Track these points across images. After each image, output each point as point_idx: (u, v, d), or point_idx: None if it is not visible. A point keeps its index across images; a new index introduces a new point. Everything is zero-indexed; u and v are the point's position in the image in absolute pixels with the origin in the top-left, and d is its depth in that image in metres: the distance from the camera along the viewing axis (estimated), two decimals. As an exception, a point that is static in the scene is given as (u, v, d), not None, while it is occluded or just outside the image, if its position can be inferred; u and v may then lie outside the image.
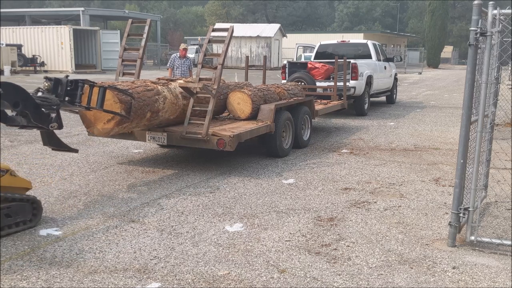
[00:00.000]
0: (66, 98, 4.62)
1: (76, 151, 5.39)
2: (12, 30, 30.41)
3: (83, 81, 4.72)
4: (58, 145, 5.18)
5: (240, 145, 6.36)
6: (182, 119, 6.61)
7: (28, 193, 4.55)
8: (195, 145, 6.37)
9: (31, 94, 4.38)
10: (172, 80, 6.93)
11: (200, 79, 6.41)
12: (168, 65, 11.26)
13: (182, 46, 11.19)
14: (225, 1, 67.96)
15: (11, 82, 4.25)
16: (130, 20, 7.55)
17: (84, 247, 3.99)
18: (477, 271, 3.64)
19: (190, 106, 6.49)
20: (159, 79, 6.92)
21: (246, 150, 7.62)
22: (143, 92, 5.96)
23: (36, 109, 4.33)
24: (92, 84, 4.87)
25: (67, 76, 4.70)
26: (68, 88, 4.61)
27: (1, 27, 29.63)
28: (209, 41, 6.78)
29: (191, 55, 39.06)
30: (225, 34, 6.48)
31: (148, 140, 6.54)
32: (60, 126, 4.58)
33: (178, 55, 10.97)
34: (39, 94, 4.54)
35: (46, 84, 4.56)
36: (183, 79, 7.28)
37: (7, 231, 4.16)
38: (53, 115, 4.49)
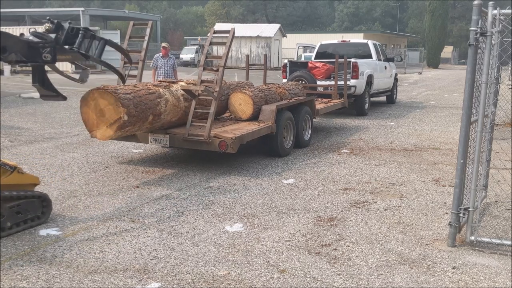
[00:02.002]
0: (65, 41, 4.51)
1: (64, 98, 4.80)
2: (12, 30, 30.35)
3: (85, 29, 4.62)
4: (48, 87, 4.73)
5: (241, 144, 6.37)
6: (184, 121, 6.62)
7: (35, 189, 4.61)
8: (197, 147, 6.39)
9: (31, 34, 4.33)
10: (173, 82, 6.94)
11: (202, 81, 6.42)
12: (151, 65, 11.06)
13: (162, 44, 11.19)
14: (225, 1, 67.93)
15: None
16: (131, 22, 7.52)
17: (84, 247, 3.99)
18: (477, 271, 3.64)
19: (192, 109, 6.50)
20: (160, 81, 6.93)
21: (247, 149, 7.62)
22: (145, 96, 5.96)
23: (28, 48, 4.26)
24: (93, 35, 4.71)
25: (70, 23, 4.60)
26: (69, 33, 4.51)
27: (1, 27, 29.61)
28: (210, 43, 6.79)
29: (191, 55, 39.09)
30: (226, 35, 6.48)
31: (151, 142, 6.57)
32: (54, 60, 4.43)
33: (161, 55, 10.90)
34: (40, 30, 4.44)
35: (47, 26, 4.45)
36: (185, 81, 7.28)
37: (16, 229, 4.22)
38: (47, 51, 4.37)
